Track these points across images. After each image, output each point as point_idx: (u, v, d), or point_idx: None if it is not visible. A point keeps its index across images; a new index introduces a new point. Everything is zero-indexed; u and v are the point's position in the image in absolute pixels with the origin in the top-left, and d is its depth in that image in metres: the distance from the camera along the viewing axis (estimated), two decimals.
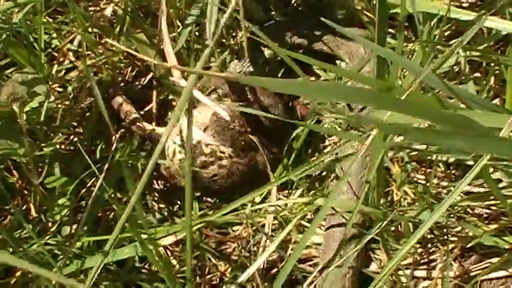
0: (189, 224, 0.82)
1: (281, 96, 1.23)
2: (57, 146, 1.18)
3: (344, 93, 0.62)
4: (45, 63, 1.20)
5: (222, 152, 1.17)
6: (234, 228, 1.21)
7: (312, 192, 1.19)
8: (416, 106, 0.68)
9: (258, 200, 1.20)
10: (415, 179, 1.18)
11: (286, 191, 1.21)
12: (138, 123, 1.22)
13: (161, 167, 1.21)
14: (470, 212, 1.14)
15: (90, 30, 1.23)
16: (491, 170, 1.09)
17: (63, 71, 1.27)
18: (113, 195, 1.17)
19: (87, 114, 1.25)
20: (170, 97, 1.28)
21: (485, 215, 1.13)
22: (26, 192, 1.16)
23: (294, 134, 1.21)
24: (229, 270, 1.17)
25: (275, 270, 1.16)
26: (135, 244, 1.11)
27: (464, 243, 1.12)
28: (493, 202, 1.12)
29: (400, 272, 1.12)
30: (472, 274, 1.12)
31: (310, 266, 1.17)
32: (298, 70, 1.00)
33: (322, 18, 0.88)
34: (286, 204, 1.19)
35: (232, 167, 1.17)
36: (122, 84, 1.28)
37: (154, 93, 1.24)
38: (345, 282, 1.08)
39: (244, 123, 1.18)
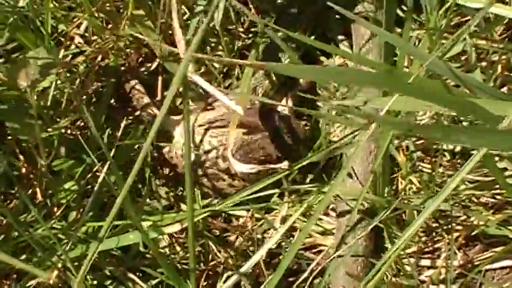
0: (191, 215, 0.82)
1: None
2: (63, 131, 1.18)
3: (354, 77, 0.62)
4: (52, 47, 1.20)
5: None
6: (239, 213, 1.21)
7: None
8: (427, 90, 0.68)
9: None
10: (420, 168, 1.17)
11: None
12: (148, 110, 1.22)
13: (165, 155, 1.21)
14: (476, 201, 1.14)
15: (96, 15, 1.23)
16: (496, 158, 1.08)
17: (70, 56, 1.27)
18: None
19: (93, 100, 1.25)
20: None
21: (490, 204, 1.13)
22: (32, 176, 1.16)
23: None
24: (233, 258, 1.17)
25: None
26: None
27: (469, 232, 1.12)
28: (498, 191, 1.12)
29: (405, 261, 1.12)
30: (476, 263, 1.12)
31: (314, 253, 1.17)
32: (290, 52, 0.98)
33: (329, 3, 0.87)
34: (292, 193, 1.19)
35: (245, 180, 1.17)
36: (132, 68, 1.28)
37: (160, 79, 1.24)
38: (352, 269, 1.08)
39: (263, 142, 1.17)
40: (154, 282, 1.14)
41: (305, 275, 1.08)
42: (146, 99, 1.23)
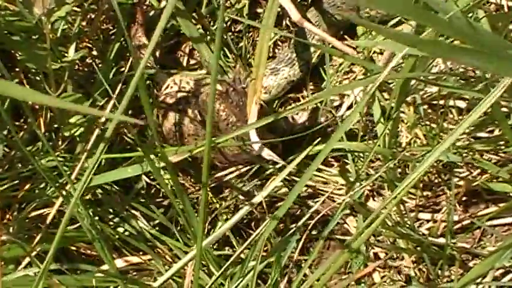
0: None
1: None
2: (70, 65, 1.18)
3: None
4: None
5: None
6: None
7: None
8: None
9: None
10: (427, 123, 1.17)
11: None
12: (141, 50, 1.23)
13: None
14: (480, 157, 1.14)
15: None
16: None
17: None
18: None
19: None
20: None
21: (494, 161, 1.13)
22: (37, 107, 1.16)
23: None
24: (233, 201, 1.17)
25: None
26: (139, 164, 1.12)
27: (471, 187, 1.12)
28: (503, 147, 1.12)
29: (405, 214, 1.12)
30: (476, 219, 1.12)
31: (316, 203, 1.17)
32: None
33: None
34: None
35: None
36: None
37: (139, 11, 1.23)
38: None
39: None
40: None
41: (304, 219, 1.07)
42: (144, 40, 1.23)
